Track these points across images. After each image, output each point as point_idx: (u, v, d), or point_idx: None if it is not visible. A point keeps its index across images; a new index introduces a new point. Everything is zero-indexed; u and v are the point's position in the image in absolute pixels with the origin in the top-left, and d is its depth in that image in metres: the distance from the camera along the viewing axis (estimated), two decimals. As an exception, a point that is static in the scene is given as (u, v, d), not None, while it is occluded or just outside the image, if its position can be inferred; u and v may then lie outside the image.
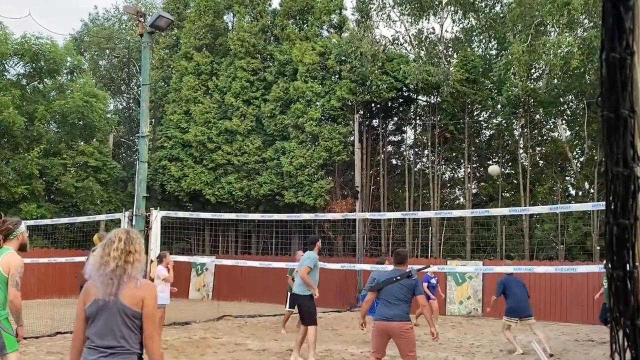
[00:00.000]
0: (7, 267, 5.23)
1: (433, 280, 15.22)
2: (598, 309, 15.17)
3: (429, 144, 24.04)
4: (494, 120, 24.86)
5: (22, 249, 5.51)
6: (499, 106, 23.53)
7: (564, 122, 23.25)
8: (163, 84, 27.92)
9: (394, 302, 6.45)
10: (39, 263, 16.89)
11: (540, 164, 24.39)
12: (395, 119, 26.42)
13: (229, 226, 24.07)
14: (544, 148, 24.28)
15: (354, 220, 20.65)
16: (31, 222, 17.30)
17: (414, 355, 6.49)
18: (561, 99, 22.31)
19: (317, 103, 23.37)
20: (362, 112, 24.13)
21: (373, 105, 24.55)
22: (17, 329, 5.39)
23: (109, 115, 27.84)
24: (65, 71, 25.14)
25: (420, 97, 25.09)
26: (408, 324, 6.46)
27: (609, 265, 1.36)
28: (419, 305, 6.79)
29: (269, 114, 24.07)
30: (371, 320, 7.01)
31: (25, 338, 10.25)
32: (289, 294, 12.79)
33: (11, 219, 5.54)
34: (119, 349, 3.34)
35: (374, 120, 25.82)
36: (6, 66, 23.51)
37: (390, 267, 8.29)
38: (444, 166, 26.20)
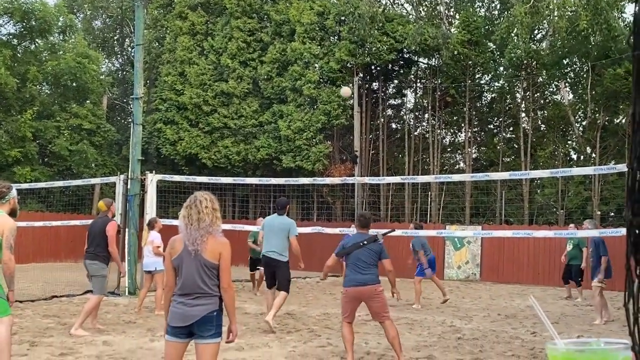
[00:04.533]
0: (0, 230, 5.16)
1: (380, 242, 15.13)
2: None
3: (430, 107, 23.72)
4: (496, 83, 24.46)
5: (12, 214, 5.47)
6: (501, 68, 23.13)
7: (567, 84, 22.88)
8: (157, 44, 27.34)
9: (364, 267, 6.47)
10: (34, 227, 16.70)
11: (541, 128, 24.08)
12: (396, 81, 26.00)
13: (226, 191, 23.84)
14: (546, 111, 23.94)
15: (353, 185, 20.43)
16: (25, 186, 17.09)
17: (388, 315, 6.52)
18: (565, 61, 21.89)
19: (316, 65, 22.92)
20: (361, 75, 23.69)
21: (373, 67, 24.11)
22: (7, 293, 5.26)
23: (102, 77, 27.35)
24: (57, 31, 24.57)
25: (421, 60, 24.62)
26: (380, 287, 6.49)
27: (629, 213, 1.20)
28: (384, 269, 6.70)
29: (265, 76, 23.62)
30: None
31: (21, 301, 10.19)
32: (250, 258, 13.16)
33: (3, 183, 5.51)
34: (202, 293, 4.03)
35: (374, 83, 25.42)
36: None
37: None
38: (444, 130, 25.92)
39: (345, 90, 13.10)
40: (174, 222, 12.75)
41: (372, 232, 6.94)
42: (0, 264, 5.27)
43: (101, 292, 8.22)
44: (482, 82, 24.74)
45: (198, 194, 4.19)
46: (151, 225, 10.35)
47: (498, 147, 23.83)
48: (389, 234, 8.08)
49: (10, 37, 23.74)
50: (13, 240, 5.25)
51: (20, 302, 10.17)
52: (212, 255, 4.06)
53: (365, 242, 6.57)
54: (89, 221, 16.70)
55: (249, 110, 23.86)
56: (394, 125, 27.41)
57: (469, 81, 22.59)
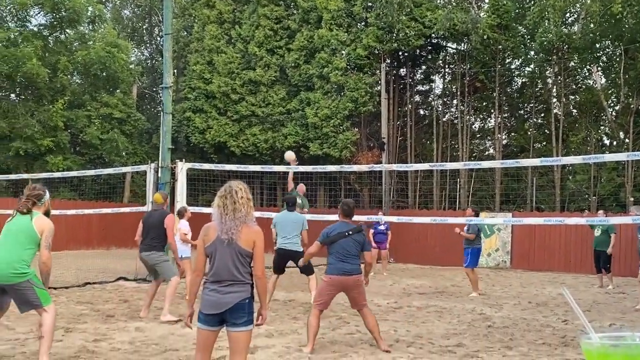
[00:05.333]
0: (40, 229, 5.39)
1: (381, 227, 15.28)
2: (632, 261, 14.85)
3: (458, 93, 23.47)
4: (527, 68, 24.06)
5: (46, 214, 5.66)
6: (531, 53, 22.74)
7: (599, 68, 22.40)
8: (185, 33, 27.49)
9: (349, 257, 6.60)
10: (67, 215, 16.99)
11: (573, 113, 23.68)
12: (424, 67, 25.77)
13: (254, 178, 23.93)
14: (577, 96, 23.52)
15: (380, 172, 20.35)
16: (58, 174, 17.39)
17: (366, 303, 6.74)
18: (597, 45, 21.42)
19: (343, 52, 22.82)
20: (389, 61, 23.52)
21: (400, 53, 23.91)
22: None
23: (131, 66, 27.62)
24: (86, 21, 24.84)
25: (449, 45, 24.35)
26: (362, 277, 6.70)
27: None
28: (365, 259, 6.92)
29: (293, 64, 23.60)
30: None
31: (55, 288, 10.40)
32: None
33: (39, 186, 5.70)
34: (234, 281, 4.06)
35: (402, 69, 25.22)
36: (27, 17, 23.26)
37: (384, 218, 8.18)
38: (473, 116, 25.64)
39: (289, 155, 13.41)
40: (204, 209, 12.88)
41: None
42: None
43: (173, 273, 8.34)
44: (512, 67, 24.36)
45: (233, 184, 4.20)
46: (181, 214, 10.47)
47: (529, 133, 23.51)
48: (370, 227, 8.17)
49: (41, 27, 24.08)
50: (51, 239, 5.45)
51: (55, 288, 10.38)
52: (247, 243, 4.10)
53: (350, 232, 6.64)
54: (121, 209, 16.91)
55: (276, 98, 23.90)
56: (422, 112, 27.20)
57: (499, 66, 22.27)
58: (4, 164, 21.71)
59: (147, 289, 8.96)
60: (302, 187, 12.80)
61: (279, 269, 9.61)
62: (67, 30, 24.64)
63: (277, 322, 8.18)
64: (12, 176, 18.76)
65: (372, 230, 15.47)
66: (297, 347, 6.60)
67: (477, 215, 12.35)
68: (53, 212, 5.91)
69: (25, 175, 18.69)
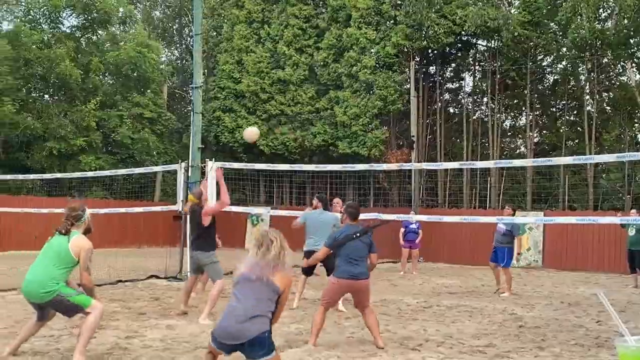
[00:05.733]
0: (77, 250, 5.44)
1: (413, 226, 15.31)
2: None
3: (489, 91, 23.23)
4: (559, 65, 23.69)
5: (87, 231, 5.69)
6: (564, 49, 22.40)
7: (633, 65, 21.95)
8: (215, 33, 27.70)
9: (358, 260, 6.60)
10: (99, 214, 17.20)
11: (607, 110, 23.25)
12: (453, 65, 25.55)
13: (283, 177, 24.07)
14: (611, 93, 23.09)
15: (410, 170, 20.25)
16: (90, 174, 17.71)
17: (369, 304, 6.82)
18: (631, 41, 20.99)
19: (372, 50, 22.75)
20: (418, 59, 23.36)
21: (430, 51, 23.74)
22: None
23: (162, 66, 27.93)
24: (117, 22, 25.20)
25: (479, 42, 24.09)
26: (369, 281, 6.74)
27: None
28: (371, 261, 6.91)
29: (322, 63, 23.61)
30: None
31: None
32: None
33: (78, 205, 5.71)
34: (256, 315, 4.19)
35: (431, 67, 25.05)
36: (60, 18, 23.68)
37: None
38: (504, 114, 25.34)
39: (251, 135, 11.24)
40: (234, 208, 12.96)
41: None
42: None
43: (219, 276, 8.21)
44: (543, 64, 24.01)
45: (270, 232, 4.45)
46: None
47: (561, 131, 23.16)
48: (379, 226, 8.09)
49: (74, 29, 24.50)
50: (89, 261, 5.51)
51: (88, 286, 10.53)
52: (281, 283, 4.30)
53: (358, 235, 6.65)
54: (152, 208, 17.09)
55: (305, 97, 23.94)
56: (451, 110, 27.00)
57: (530, 63, 21.96)
58: (38, 164, 22.14)
59: (184, 284, 8.96)
60: (338, 202, 11.21)
61: (308, 271, 9.56)
62: (99, 32, 25.04)
63: (305, 321, 8.18)
64: (46, 175, 19.11)
65: (402, 229, 15.43)
66: (327, 346, 6.61)
67: (514, 213, 12.15)
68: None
69: (58, 175, 19.05)
